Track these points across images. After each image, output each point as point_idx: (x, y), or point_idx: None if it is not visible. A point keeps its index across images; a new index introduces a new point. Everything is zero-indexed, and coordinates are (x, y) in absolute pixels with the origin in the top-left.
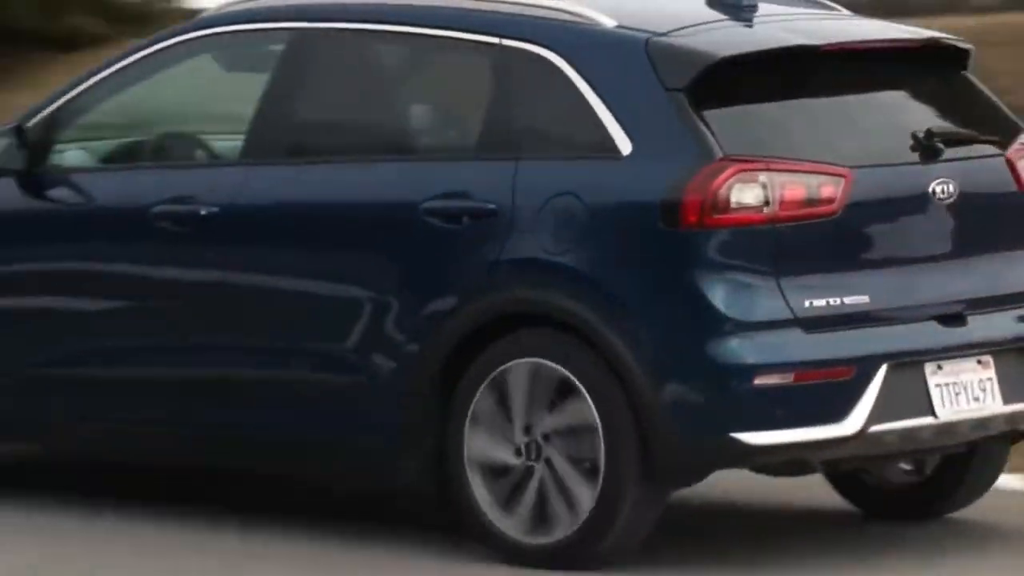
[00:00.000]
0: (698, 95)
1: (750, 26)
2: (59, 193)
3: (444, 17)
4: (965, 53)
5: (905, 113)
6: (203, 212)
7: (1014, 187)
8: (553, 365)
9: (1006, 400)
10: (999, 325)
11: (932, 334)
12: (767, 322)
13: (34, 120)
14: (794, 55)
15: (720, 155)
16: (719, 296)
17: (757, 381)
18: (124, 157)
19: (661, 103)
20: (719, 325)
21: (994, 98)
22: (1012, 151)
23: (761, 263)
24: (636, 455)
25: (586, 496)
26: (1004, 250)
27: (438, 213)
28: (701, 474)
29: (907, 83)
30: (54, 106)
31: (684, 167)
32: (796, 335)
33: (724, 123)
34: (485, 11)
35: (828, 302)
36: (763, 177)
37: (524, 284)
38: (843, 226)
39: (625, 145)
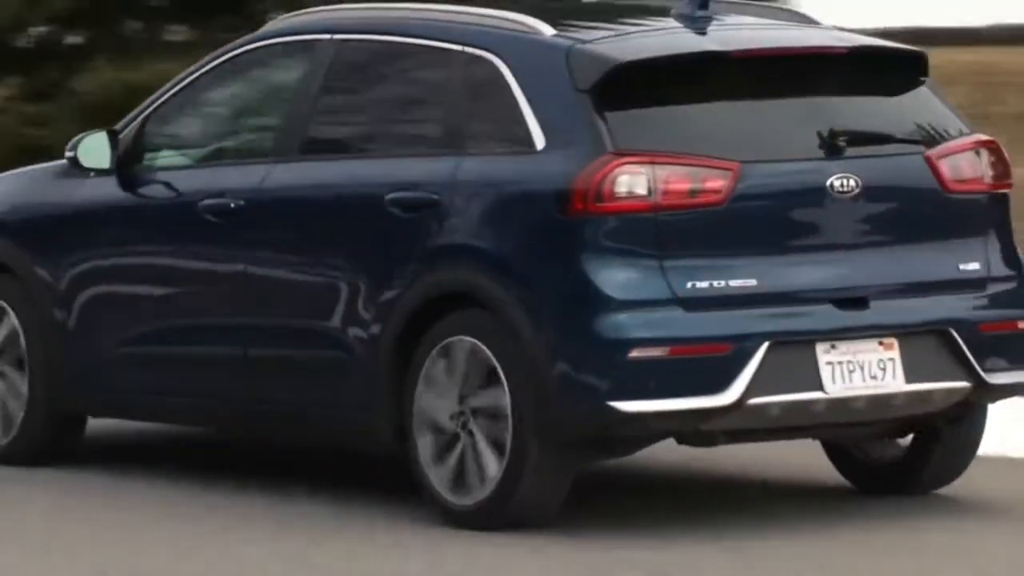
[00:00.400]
0: (603, 96)
1: (684, 33)
2: (141, 191)
3: (414, 27)
4: (921, 60)
5: (816, 114)
6: (232, 205)
7: (935, 184)
8: (477, 342)
9: (908, 379)
10: (906, 310)
11: (826, 316)
12: (647, 301)
13: (128, 124)
14: (704, 60)
15: (610, 150)
16: (602, 277)
17: (633, 354)
18: (196, 160)
19: (571, 103)
20: (601, 303)
21: (945, 103)
22: (935, 151)
23: (644, 247)
24: (537, 426)
25: (494, 465)
26: (920, 241)
27: (399, 204)
28: (601, 448)
29: (834, 87)
30: (144, 112)
31: (579, 161)
32: (675, 313)
33: (624, 121)
34: (448, 21)
35: (712, 284)
36: (646, 170)
37: (457, 268)
38: (732, 215)
39: (540, 141)
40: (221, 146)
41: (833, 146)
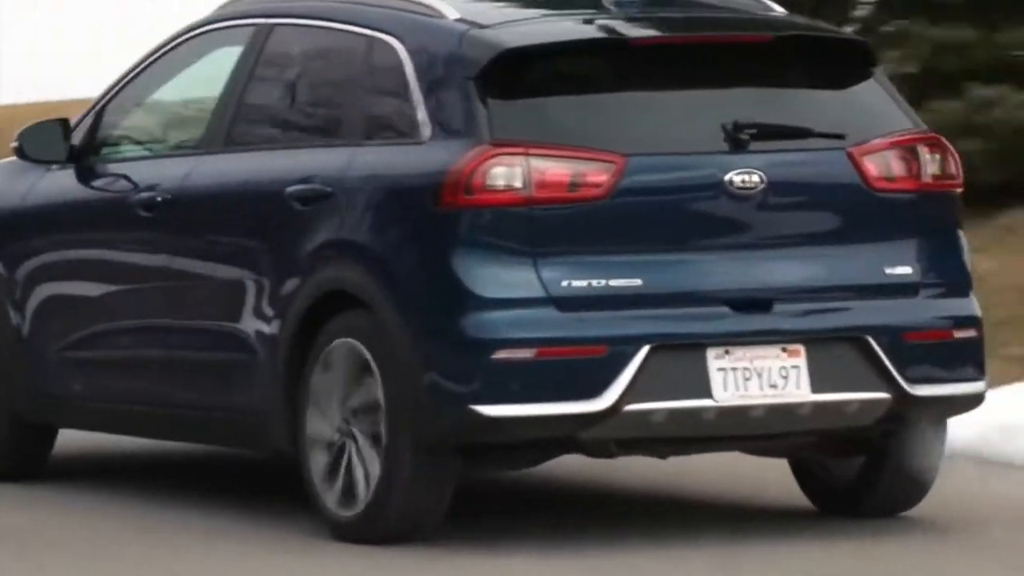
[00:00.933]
0: (489, 84)
1: (596, 20)
2: (94, 184)
3: (332, 11)
4: (864, 49)
5: (724, 107)
6: (159, 199)
7: (858, 181)
8: (358, 344)
9: (815, 389)
10: (817, 315)
11: (720, 319)
12: (517, 299)
13: (80, 118)
14: (599, 47)
15: (487, 140)
16: (469, 273)
17: (497, 355)
18: (145, 152)
19: (458, 91)
20: (467, 301)
21: (892, 96)
22: (861, 147)
23: (517, 243)
24: (411, 432)
25: (374, 473)
26: (839, 243)
27: (297, 197)
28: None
29: (756, 78)
30: (99, 102)
31: (455, 151)
32: (547, 313)
33: (508, 110)
34: (362, 3)
35: (590, 283)
36: (521, 161)
37: (341, 265)
38: (615, 210)
39: (427, 130)
40: (166, 137)
41: (736, 140)
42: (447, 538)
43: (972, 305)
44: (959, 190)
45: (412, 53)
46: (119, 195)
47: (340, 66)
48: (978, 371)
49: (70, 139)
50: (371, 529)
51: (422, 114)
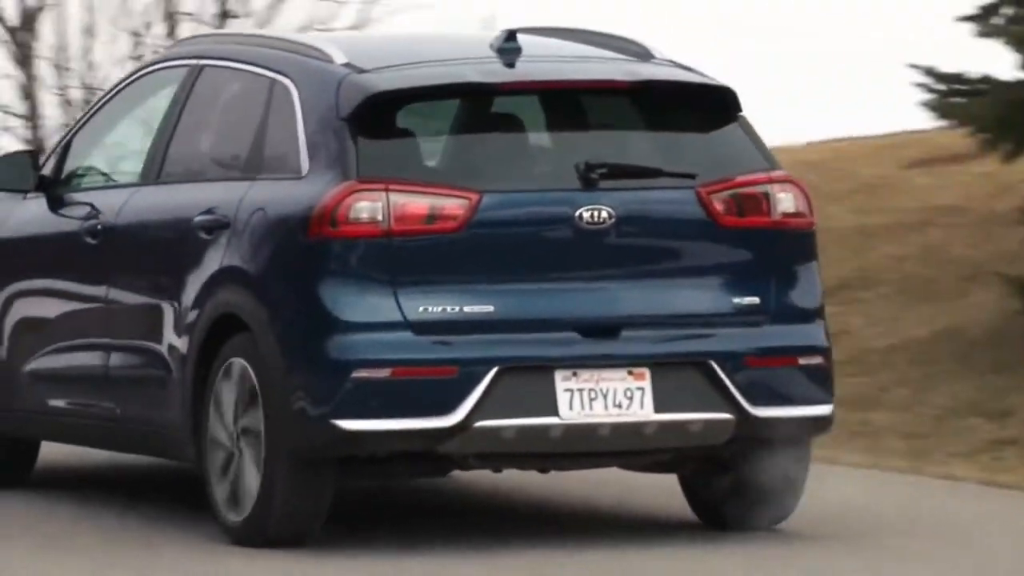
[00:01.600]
0: (359, 124)
1: (470, 65)
2: (59, 212)
3: (242, 53)
4: (728, 95)
5: (579, 147)
6: (99, 227)
7: (706, 218)
8: (245, 363)
9: (658, 409)
10: (662, 341)
11: (568, 344)
12: (375, 323)
13: (50, 151)
14: (464, 90)
15: (352, 177)
16: (332, 299)
17: (355, 374)
18: (99, 182)
19: (334, 130)
20: (330, 325)
21: (753, 140)
22: (710, 186)
23: (378, 271)
24: (285, 445)
25: (255, 482)
26: (687, 274)
27: (202, 227)
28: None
29: (615, 120)
30: (67, 134)
31: (324, 187)
32: (403, 336)
33: (375, 149)
34: (265, 46)
35: (445, 309)
36: (381, 196)
37: (231, 290)
38: (471, 242)
39: (305, 166)
40: (116, 170)
41: (587, 178)
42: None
43: (819, 333)
44: (811, 226)
45: (302, 94)
46: (75, 222)
47: (248, 105)
48: (825, 395)
49: (39, 170)
50: (255, 534)
51: (304, 152)
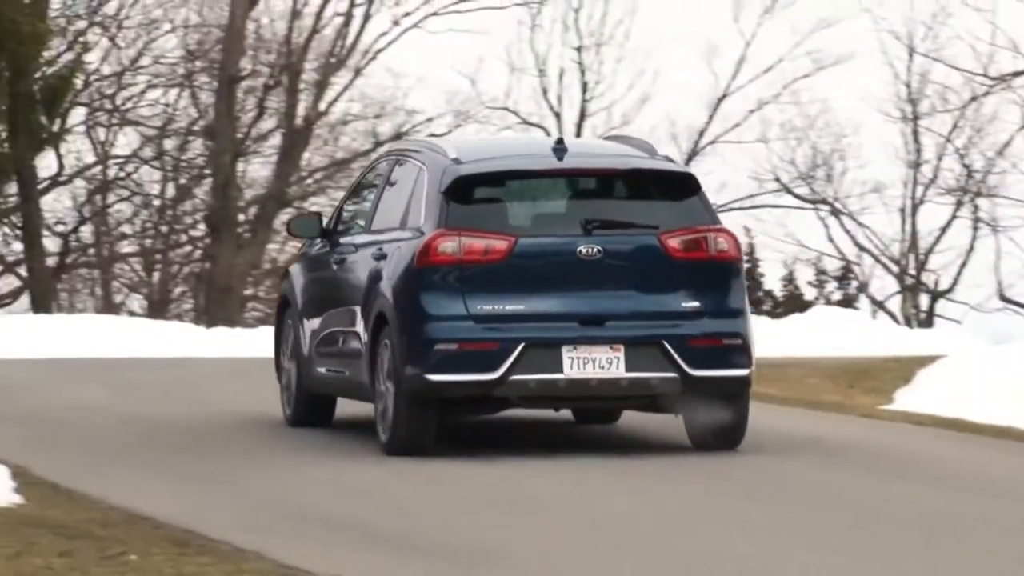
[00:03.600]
0: (451, 195)
1: (533, 158)
2: (335, 251)
3: (410, 149)
4: (690, 179)
5: (586, 209)
6: (343, 257)
7: (664, 253)
8: (388, 342)
9: (628, 370)
10: (632, 328)
11: (570, 330)
12: (449, 315)
13: (331, 215)
14: (517, 175)
15: (443, 228)
16: (426, 301)
17: (437, 347)
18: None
19: (437, 200)
20: (424, 317)
21: (707, 207)
22: (668, 233)
23: (453, 285)
24: (403, 387)
25: (391, 414)
26: (651, 289)
27: (375, 258)
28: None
29: (614, 192)
30: (337, 206)
31: (426, 234)
32: (466, 324)
33: (461, 210)
34: (422, 147)
35: (493, 307)
36: (455, 238)
37: (382, 297)
38: (510, 267)
39: (422, 222)
40: (356, 224)
41: (586, 228)
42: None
43: (740, 325)
44: (738, 260)
45: (428, 177)
46: (334, 256)
47: (408, 184)
48: (745, 363)
49: (322, 224)
50: (393, 447)
51: (423, 213)
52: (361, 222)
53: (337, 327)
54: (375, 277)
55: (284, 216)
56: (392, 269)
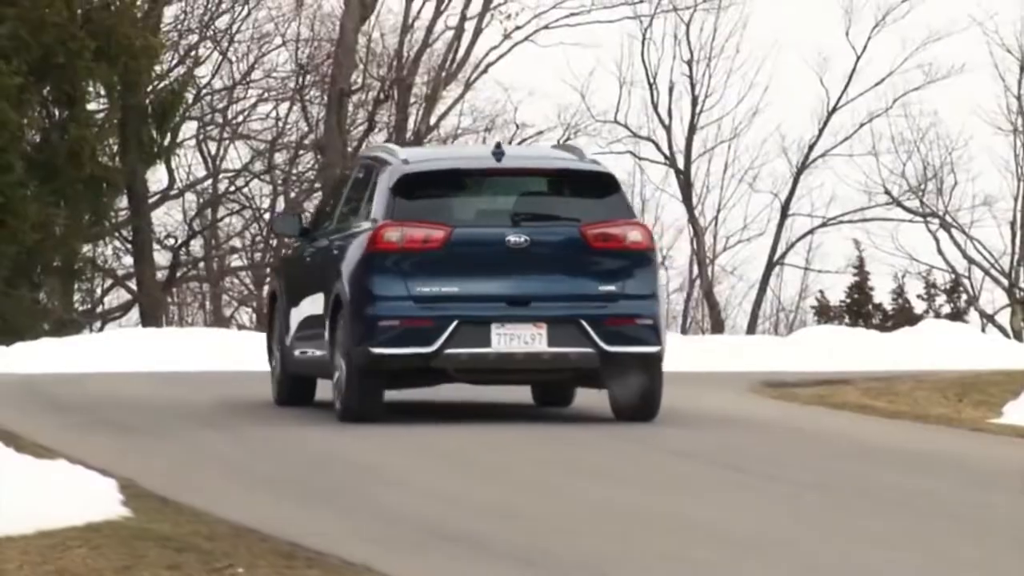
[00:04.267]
0: (397, 192)
1: (473, 159)
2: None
3: (373, 154)
4: (611, 178)
5: (516, 203)
6: (314, 251)
7: (584, 243)
8: (342, 322)
9: (550, 345)
10: (554, 308)
11: (499, 309)
12: (393, 296)
13: (313, 214)
14: (455, 173)
15: (389, 219)
16: (373, 283)
17: (381, 323)
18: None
19: (387, 196)
20: (371, 297)
21: (626, 203)
22: (588, 225)
23: (396, 269)
24: (352, 362)
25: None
26: (573, 273)
27: (338, 249)
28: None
29: (546, 189)
30: (318, 208)
31: (376, 224)
32: (407, 303)
33: (407, 205)
34: (381, 151)
35: (431, 289)
36: (400, 228)
37: (338, 282)
38: (446, 254)
39: (376, 216)
40: (331, 222)
41: (514, 220)
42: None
43: (651, 307)
44: (651, 250)
45: (381, 176)
46: (310, 250)
47: (368, 183)
48: (655, 340)
49: (302, 223)
50: (345, 414)
51: (376, 208)
52: (334, 219)
53: (310, 313)
54: (336, 265)
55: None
56: (348, 257)
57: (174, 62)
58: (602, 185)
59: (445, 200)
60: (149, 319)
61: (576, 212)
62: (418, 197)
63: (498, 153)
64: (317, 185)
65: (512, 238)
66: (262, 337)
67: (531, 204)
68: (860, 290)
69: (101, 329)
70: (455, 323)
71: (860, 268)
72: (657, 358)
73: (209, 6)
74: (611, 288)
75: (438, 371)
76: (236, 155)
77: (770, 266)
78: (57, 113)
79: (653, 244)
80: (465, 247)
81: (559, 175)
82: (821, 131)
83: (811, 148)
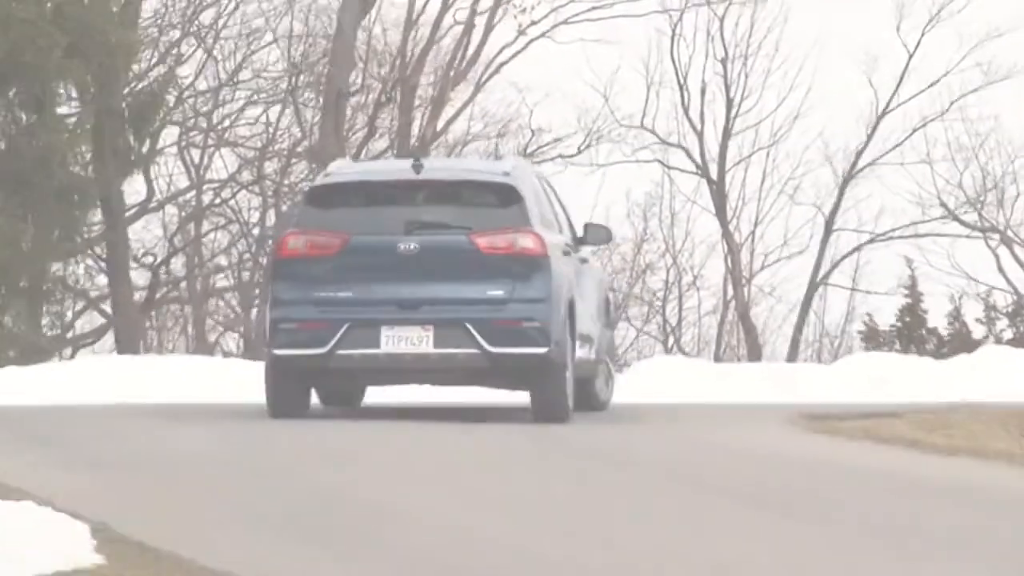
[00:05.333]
0: (308, 202)
1: (389, 172)
2: None
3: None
4: (512, 189)
5: (412, 213)
6: None
7: (474, 250)
8: None
9: (436, 346)
10: (441, 311)
11: (389, 313)
12: (294, 300)
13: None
14: (360, 185)
15: (298, 228)
16: (278, 287)
17: (281, 325)
18: None
19: (302, 206)
20: (275, 300)
21: (524, 214)
22: (478, 234)
23: (299, 274)
24: (266, 361)
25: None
26: (462, 279)
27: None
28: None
29: (443, 198)
30: None
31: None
32: (305, 307)
33: (315, 214)
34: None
35: (327, 294)
36: (302, 236)
37: (265, 284)
38: (341, 260)
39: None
40: None
41: (406, 228)
42: None
43: (540, 310)
44: (542, 255)
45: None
46: None
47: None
48: (542, 343)
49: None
50: (272, 410)
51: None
52: None
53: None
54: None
55: None
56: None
57: (154, 61)
58: (503, 195)
59: (350, 210)
60: (125, 345)
61: (470, 221)
62: (326, 207)
63: (417, 166)
64: None
65: (403, 246)
66: (249, 365)
67: (428, 213)
68: (912, 313)
69: (72, 356)
70: (347, 325)
71: (912, 289)
72: (545, 359)
73: None
74: (499, 293)
75: (336, 371)
76: (222, 164)
77: (812, 287)
78: (24, 117)
79: (545, 251)
80: (359, 254)
81: (460, 186)
82: (869, 137)
83: (858, 156)
